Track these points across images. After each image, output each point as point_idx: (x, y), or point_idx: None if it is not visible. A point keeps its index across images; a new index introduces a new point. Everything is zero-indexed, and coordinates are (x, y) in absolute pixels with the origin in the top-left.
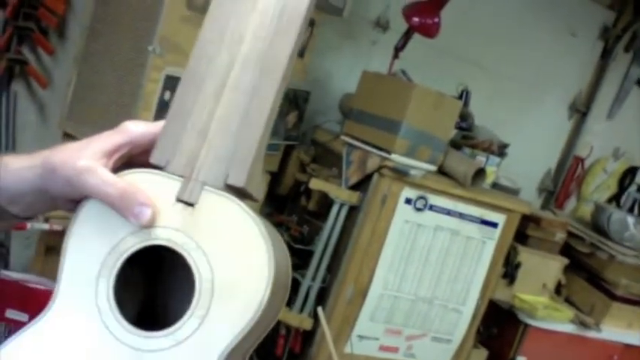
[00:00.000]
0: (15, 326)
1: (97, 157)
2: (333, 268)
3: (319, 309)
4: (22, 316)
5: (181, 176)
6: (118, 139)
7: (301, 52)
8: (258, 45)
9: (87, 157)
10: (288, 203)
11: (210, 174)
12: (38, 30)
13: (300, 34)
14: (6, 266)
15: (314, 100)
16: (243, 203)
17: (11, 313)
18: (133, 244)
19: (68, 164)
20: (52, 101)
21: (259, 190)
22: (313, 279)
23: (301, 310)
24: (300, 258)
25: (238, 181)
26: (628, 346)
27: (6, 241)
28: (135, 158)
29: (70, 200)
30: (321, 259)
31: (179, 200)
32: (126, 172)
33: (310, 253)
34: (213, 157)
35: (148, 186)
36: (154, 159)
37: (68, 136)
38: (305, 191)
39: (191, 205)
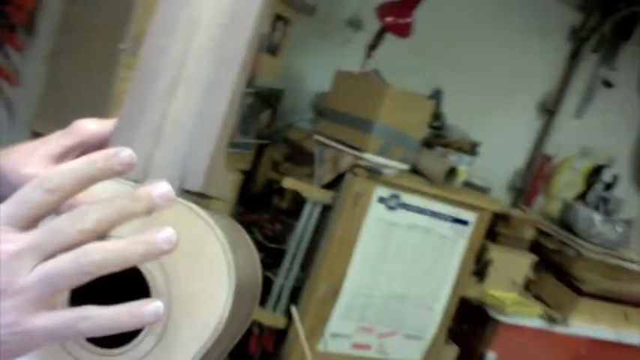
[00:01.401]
0: None
1: (45, 163)
2: (306, 266)
3: (293, 308)
4: None
5: (135, 181)
6: (69, 141)
7: (275, 51)
8: (214, 33)
9: (33, 163)
10: (261, 202)
11: (165, 178)
12: (6, 27)
13: (259, 20)
14: None
15: (287, 99)
16: (202, 209)
17: None
18: None
19: (15, 170)
20: (20, 99)
21: (224, 189)
22: (286, 278)
23: (274, 308)
24: (273, 257)
25: (195, 185)
26: (595, 341)
27: None
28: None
29: None
30: (294, 257)
31: None
32: None
33: (283, 252)
34: (168, 160)
35: (99, 192)
36: None
37: (38, 135)
38: (278, 190)
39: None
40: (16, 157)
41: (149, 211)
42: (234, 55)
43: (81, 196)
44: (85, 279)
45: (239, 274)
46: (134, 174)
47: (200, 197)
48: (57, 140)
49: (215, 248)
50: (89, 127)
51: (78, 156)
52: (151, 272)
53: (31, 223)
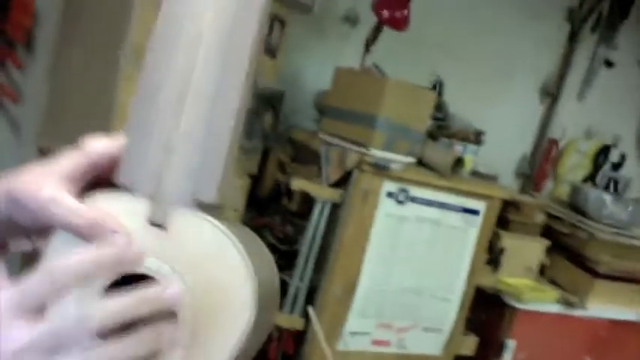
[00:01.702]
0: None
1: (60, 184)
2: (320, 266)
3: (310, 308)
4: None
5: (149, 197)
6: (81, 161)
7: (273, 53)
8: (218, 44)
9: (49, 186)
10: (270, 205)
11: (180, 192)
12: (5, 44)
13: (262, 25)
14: None
15: (289, 100)
16: (217, 220)
17: None
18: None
19: (30, 194)
20: (24, 116)
21: (235, 198)
22: (301, 279)
23: (291, 310)
24: (286, 259)
25: (209, 197)
26: (613, 322)
27: None
28: (100, 177)
29: (38, 230)
30: (307, 258)
31: (149, 222)
32: (92, 196)
33: (296, 254)
34: (181, 173)
35: (116, 209)
36: (119, 179)
37: (44, 151)
38: (286, 192)
39: (162, 227)
40: (30, 180)
41: (119, 268)
42: (238, 64)
43: (97, 214)
44: None
45: (259, 282)
46: (149, 189)
47: (212, 208)
48: (69, 160)
49: (234, 259)
50: (98, 145)
51: (91, 175)
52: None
53: (34, 312)
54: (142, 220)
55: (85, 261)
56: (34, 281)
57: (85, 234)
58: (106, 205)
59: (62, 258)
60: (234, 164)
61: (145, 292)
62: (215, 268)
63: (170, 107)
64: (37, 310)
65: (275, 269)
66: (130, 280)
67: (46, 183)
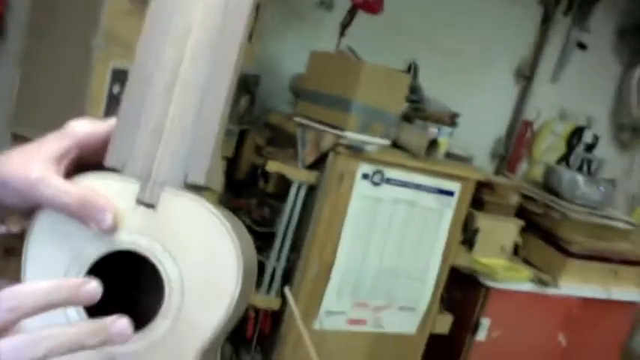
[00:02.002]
0: None
1: (48, 165)
2: (296, 247)
3: (286, 288)
4: None
5: (139, 178)
6: (66, 142)
7: (248, 36)
8: (207, 36)
9: (37, 167)
10: (247, 187)
11: (169, 174)
12: None
13: (249, 20)
14: None
15: (265, 84)
16: (205, 200)
17: None
18: (96, 250)
19: (19, 176)
20: None
21: (217, 182)
22: (278, 260)
23: (268, 291)
24: (263, 240)
25: (198, 179)
26: (585, 300)
27: None
28: (85, 160)
29: (26, 211)
30: (283, 239)
31: (139, 202)
32: (81, 177)
33: (273, 235)
34: (170, 157)
35: (106, 190)
36: (108, 162)
37: (18, 138)
38: (262, 174)
39: (152, 206)
40: (16, 163)
41: (103, 344)
42: (227, 56)
43: (86, 192)
44: None
45: (245, 255)
46: (140, 171)
47: (200, 189)
48: (54, 142)
49: (223, 237)
50: (82, 128)
51: (76, 157)
52: (163, 264)
53: None
54: (132, 201)
55: (43, 286)
56: None
57: (74, 212)
58: (95, 186)
59: (49, 235)
60: (220, 148)
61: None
62: (204, 246)
63: (159, 95)
64: None
65: (253, 246)
66: (124, 255)
67: (34, 164)
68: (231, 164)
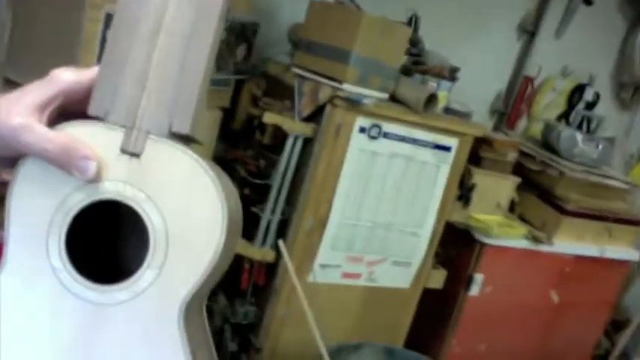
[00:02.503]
0: None
1: (31, 112)
2: (291, 200)
3: (280, 241)
4: None
5: (123, 126)
6: (50, 91)
7: None
8: None
9: (20, 114)
10: (243, 138)
11: (154, 122)
12: None
13: None
14: None
15: (263, 32)
16: (190, 149)
17: None
18: (81, 199)
19: (1, 123)
20: None
21: (202, 132)
22: (273, 212)
23: (263, 243)
24: (258, 192)
25: (183, 128)
26: (579, 257)
27: None
28: (69, 108)
29: (9, 159)
30: (279, 192)
31: (124, 151)
32: (64, 125)
33: (268, 187)
34: (154, 105)
35: (90, 138)
36: (92, 110)
37: (9, 82)
38: (259, 125)
39: (137, 155)
40: (0, 109)
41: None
42: (212, 4)
43: (68, 140)
44: None
45: (229, 206)
46: (124, 119)
47: (184, 139)
48: (38, 90)
49: (207, 185)
50: (67, 76)
51: (60, 106)
52: (147, 213)
53: None
54: (116, 149)
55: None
56: None
57: (57, 159)
58: (78, 134)
59: (33, 184)
60: (206, 98)
61: None
62: (189, 194)
63: (143, 42)
64: None
65: (238, 198)
66: (108, 205)
67: (17, 112)
68: (228, 114)
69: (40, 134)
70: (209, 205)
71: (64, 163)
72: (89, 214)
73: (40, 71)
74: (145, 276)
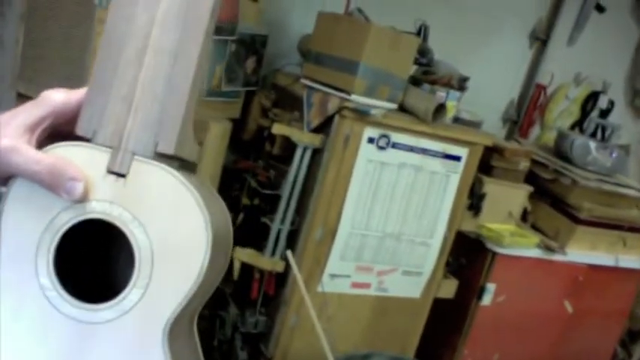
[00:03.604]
0: None
1: (20, 134)
2: (301, 210)
3: (288, 252)
4: None
5: (110, 147)
6: (40, 112)
7: None
8: (178, 1)
9: (9, 136)
10: (253, 149)
11: (139, 142)
12: None
13: None
14: None
15: (273, 44)
16: (176, 169)
17: None
18: (68, 219)
19: None
20: (3, 62)
21: (192, 152)
22: (282, 222)
23: (273, 253)
24: (268, 203)
25: (168, 148)
26: (592, 267)
27: None
28: (59, 129)
29: (2, 179)
30: (288, 202)
31: (110, 172)
32: (52, 146)
33: (278, 197)
34: (140, 125)
35: (77, 159)
36: (79, 130)
37: (21, 96)
38: (268, 136)
39: (122, 175)
40: None
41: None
42: (198, 21)
43: (56, 161)
44: None
45: (214, 226)
46: (109, 140)
47: (172, 159)
48: (28, 112)
49: (191, 206)
50: (57, 97)
51: (49, 126)
52: (133, 232)
53: None
54: (103, 169)
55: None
56: None
57: (44, 181)
58: (66, 154)
59: (22, 204)
60: (193, 118)
61: None
62: (173, 215)
63: (130, 62)
64: None
65: (227, 215)
66: (96, 224)
67: (5, 133)
68: (238, 125)
69: (28, 156)
70: (193, 226)
71: (51, 184)
72: (78, 234)
73: (50, 85)
74: (130, 295)
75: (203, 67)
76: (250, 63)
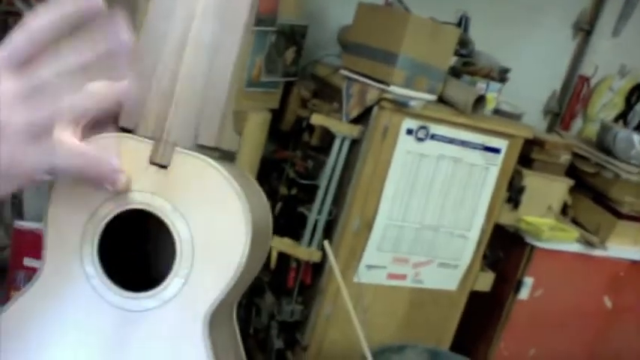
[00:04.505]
0: (33, 273)
1: (64, 127)
2: (338, 201)
3: (325, 242)
4: (39, 264)
5: (152, 139)
6: (84, 104)
7: None
8: None
9: (55, 129)
10: (292, 139)
11: (181, 135)
12: None
13: None
14: (20, 216)
15: (312, 34)
16: (216, 161)
17: (28, 261)
18: (111, 210)
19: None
20: None
21: (232, 142)
22: (319, 213)
23: (309, 243)
24: (306, 192)
25: (209, 140)
26: (634, 262)
27: (18, 191)
28: (101, 120)
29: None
30: (326, 193)
31: (152, 163)
32: (96, 138)
33: (316, 188)
34: (181, 118)
35: (120, 150)
36: (122, 122)
37: None
38: (307, 126)
39: (164, 167)
40: None
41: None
42: (236, 16)
43: (99, 154)
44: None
45: (254, 217)
46: (151, 132)
47: (212, 150)
48: (74, 104)
49: (231, 198)
50: (100, 89)
51: (93, 119)
52: (174, 223)
53: (19, 67)
54: (145, 160)
55: (55, 15)
56: (16, 40)
57: (88, 173)
58: (109, 146)
59: (67, 194)
60: (231, 110)
61: None
62: (213, 206)
63: (170, 55)
64: (22, 65)
65: (267, 205)
66: (139, 214)
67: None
68: (277, 116)
69: (71, 149)
70: (233, 217)
71: (95, 175)
72: (120, 224)
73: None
74: (171, 285)
75: (242, 59)
76: (290, 54)
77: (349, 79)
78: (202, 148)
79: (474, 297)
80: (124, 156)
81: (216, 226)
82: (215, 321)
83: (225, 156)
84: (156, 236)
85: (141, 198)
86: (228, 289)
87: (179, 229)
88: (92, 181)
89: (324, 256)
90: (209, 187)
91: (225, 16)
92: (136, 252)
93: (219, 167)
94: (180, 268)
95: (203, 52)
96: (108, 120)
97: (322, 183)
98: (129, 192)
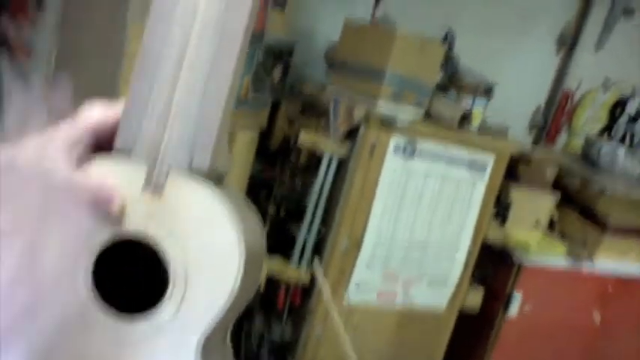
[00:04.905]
0: None
1: (59, 156)
2: (327, 220)
3: (315, 263)
4: None
5: (147, 162)
6: (79, 130)
7: (282, 5)
8: (213, 17)
9: (49, 158)
10: (279, 158)
11: (175, 159)
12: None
13: (255, 3)
14: None
15: (300, 52)
16: (211, 186)
17: None
18: (103, 239)
19: (32, 166)
20: (36, 71)
21: (225, 164)
22: (308, 232)
23: (299, 263)
24: (294, 212)
25: (203, 164)
26: (622, 277)
27: None
28: (97, 144)
29: None
30: (314, 212)
31: (146, 187)
32: (90, 162)
33: (304, 207)
34: (176, 142)
35: (113, 176)
36: (117, 145)
37: None
38: (295, 145)
39: (159, 191)
40: (30, 152)
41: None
42: (233, 38)
43: (92, 181)
44: None
45: (248, 241)
46: (147, 155)
47: (207, 174)
48: (68, 130)
49: (227, 221)
50: (96, 113)
51: (88, 144)
52: (167, 247)
53: None
54: (139, 185)
55: None
56: None
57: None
58: (103, 171)
59: None
60: (226, 132)
61: None
62: (207, 230)
63: (166, 78)
64: None
65: (262, 231)
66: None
67: (46, 155)
68: (265, 135)
69: (65, 179)
70: (227, 242)
71: (90, 201)
72: (114, 248)
73: (83, 95)
74: (165, 310)
75: (237, 82)
76: (277, 72)
77: (336, 96)
78: (197, 172)
79: (464, 316)
80: (118, 181)
81: (210, 250)
82: (209, 345)
83: (218, 178)
84: (150, 260)
85: (135, 224)
86: (223, 313)
87: (172, 254)
88: (87, 207)
89: (313, 277)
90: (203, 211)
91: (221, 38)
92: (130, 276)
93: (214, 191)
94: (174, 293)
95: (198, 74)
96: (102, 143)
97: (310, 202)
98: (122, 219)
